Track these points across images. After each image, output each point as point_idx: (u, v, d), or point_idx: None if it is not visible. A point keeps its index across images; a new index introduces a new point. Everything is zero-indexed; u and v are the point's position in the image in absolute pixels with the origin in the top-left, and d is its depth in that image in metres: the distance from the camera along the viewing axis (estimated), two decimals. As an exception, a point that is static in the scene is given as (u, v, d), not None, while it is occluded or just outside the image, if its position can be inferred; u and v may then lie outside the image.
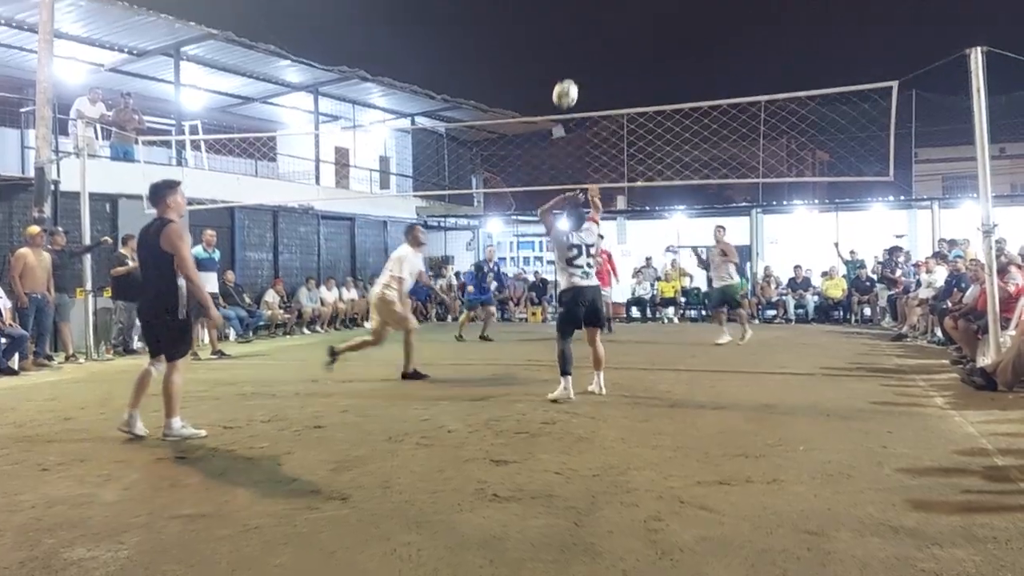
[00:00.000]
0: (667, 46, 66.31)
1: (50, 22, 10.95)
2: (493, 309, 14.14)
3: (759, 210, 18.87)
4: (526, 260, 21.95)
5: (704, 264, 12.84)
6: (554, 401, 6.75)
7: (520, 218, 21.77)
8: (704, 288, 18.07)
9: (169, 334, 5.53)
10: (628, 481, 4.27)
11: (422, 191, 21.51)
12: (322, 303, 15.74)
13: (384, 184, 21.63)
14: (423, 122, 22.02)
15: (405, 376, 8.44)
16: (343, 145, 20.96)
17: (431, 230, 21.52)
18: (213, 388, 7.96)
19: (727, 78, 48.37)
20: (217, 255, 11.98)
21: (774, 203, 19.90)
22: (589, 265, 7.18)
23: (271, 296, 14.89)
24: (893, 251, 15.29)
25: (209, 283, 11.27)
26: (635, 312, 18.15)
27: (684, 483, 4.22)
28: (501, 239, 22.41)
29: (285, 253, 16.53)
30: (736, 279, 12.55)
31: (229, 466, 4.71)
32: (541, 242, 21.59)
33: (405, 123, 21.96)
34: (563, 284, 7.27)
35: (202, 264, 11.18)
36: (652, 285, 17.98)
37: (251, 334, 13.76)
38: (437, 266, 20.47)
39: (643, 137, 11.06)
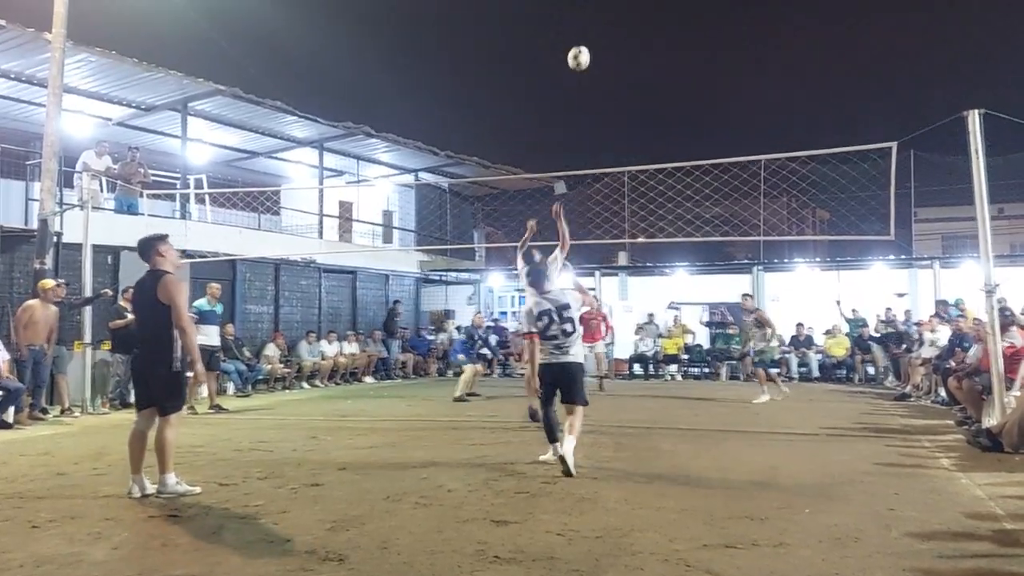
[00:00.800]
0: (668, 104, 67.42)
1: (59, 77, 11.13)
2: (480, 368, 13.91)
3: (760, 267, 18.90)
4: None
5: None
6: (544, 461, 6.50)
7: (515, 272, 21.79)
8: (706, 345, 18.08)
9: (163, 387, 5.46)
10: (632, 544, 4.17)
11: (424, 245, 21.61)
12: (323, 357, 15.65)
13: (387, 238, 21.75)
14: (426, 177, 22.26)
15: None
16: (347, 199, 21.14)
17: (433, 284, 21.61)
18: (210, 443, 7.85)
19: (727, 136, 49.05)
20: (220, 308, 11.95)
21: (775, 261, 19.95)
22: (565, 332, 6.30)
23: (271, 350, 14.81)
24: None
25: (211, 336, 11.28)
26: (637, 369, 18.03)
27: (689, 546, 4.12)
28: (503, 293, 22.42)
29: (286, 306, 16.51)
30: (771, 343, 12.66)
31: (223, 525, 4.61)
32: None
33: (408, 178, 22.19)
34: (538, 358, 6.39)
35: (205, 317, 11.20)
36: (654, 342, 17.90)
37: (250, 388, 13.65)
38: (438, 320, 20.46)
39: (644, 194, 11.16)
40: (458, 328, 19.90)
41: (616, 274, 20.34)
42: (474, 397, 12.79)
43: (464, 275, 21.99)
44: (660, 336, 18.06)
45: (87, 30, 12.39)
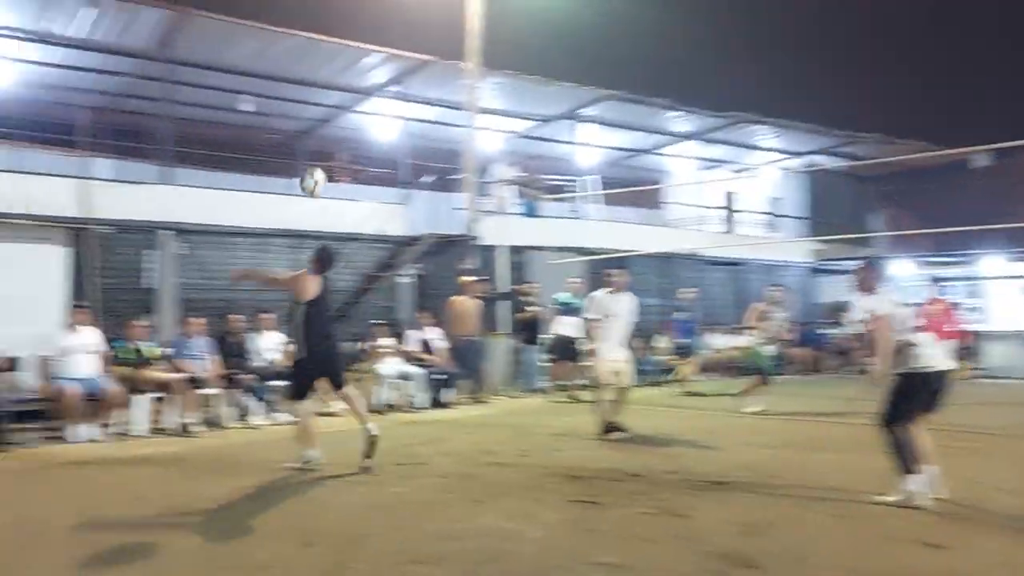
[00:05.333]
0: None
1: (475, 100, 12.68)
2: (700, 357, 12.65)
3: None
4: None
5: None
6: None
7: (934, 260, 19.53)
8: None
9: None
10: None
11: (816, 232, 20.41)
12: (717, 351, 15.71)
13: (775, 228, 20.99)
14: (819, 160, 20.99)
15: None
16: (732, 189, 20.86)
17: (828, 275, 20.34)
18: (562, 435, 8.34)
19: None
20: (579, 301, 11.86)
21: None
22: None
23: (661, 342, 15.26)
24: None
25: (572, 327, 11.54)
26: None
27: None
28: (911, 282, 20.29)
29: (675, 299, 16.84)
30: None
31: (637, 517, 4.87)
32: (963, 287, 19.14)
33: (799, 163, 21.14)
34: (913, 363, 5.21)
35: (567, 309, 11.89)
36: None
37: (643, 380, 14.13)
38: (833, 313, 19.20)
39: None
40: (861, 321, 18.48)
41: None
42: None
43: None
44: None
45: (496, 55, 13.91)
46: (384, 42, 13.21)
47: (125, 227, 11.21)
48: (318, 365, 6.49)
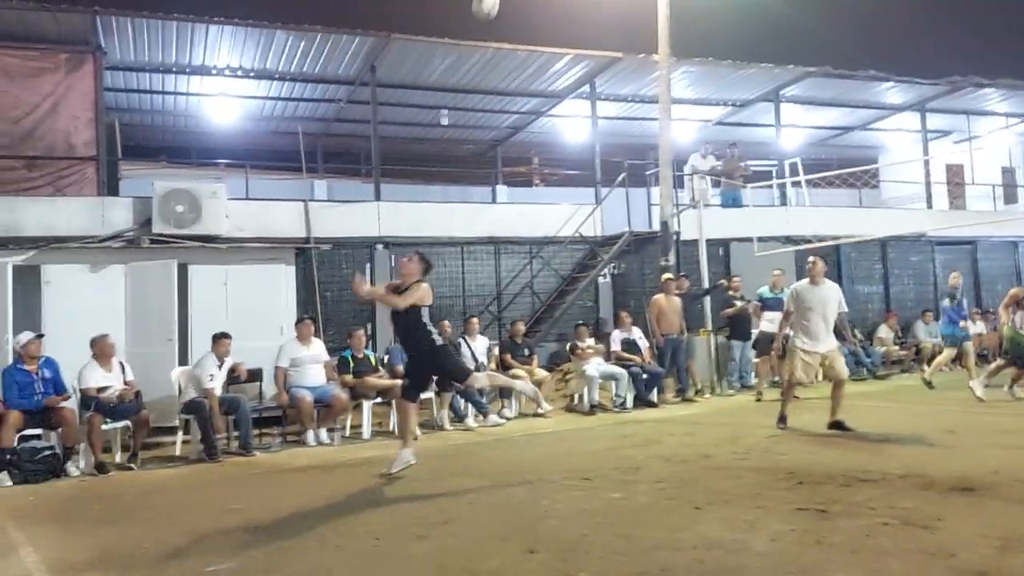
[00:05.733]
0: None
1: (667, 92, 12.40)
2: (969, 346, 11.06)
3: None
4: None
5: None
6: None
7: None
8: None
9: None
10: None
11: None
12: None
13: (1010, 199, 18.81)
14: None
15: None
16: (956, 162, 18.92)
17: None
18: (838, 432, 7.85)
19: None
20: (783, 294, 11.31)
21: None
22: None
23: (884, 331, 14.17)
24: None
25: (775, 323, 11.08)
26: None
27: None
28: None
29: (897, 285, 15.60)
30: None
31: (873, 527, 4.51)
32: None
33: (1034, 125, 18.80)
34: None
35: (768, 304, 11.30)
36: None
37: (864, 372, 13.21)
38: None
39: None
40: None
41: None
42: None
43: None
44: None
45: (685, 43, 13.56)
46: (573, 43, 13.31)
47: (342, 243, 12.10)
48: (428, 363, 6.70)
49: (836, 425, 7.82)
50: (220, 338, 8.59)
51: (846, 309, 8.44)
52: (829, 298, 8.07)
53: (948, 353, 11.17)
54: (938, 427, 7.89)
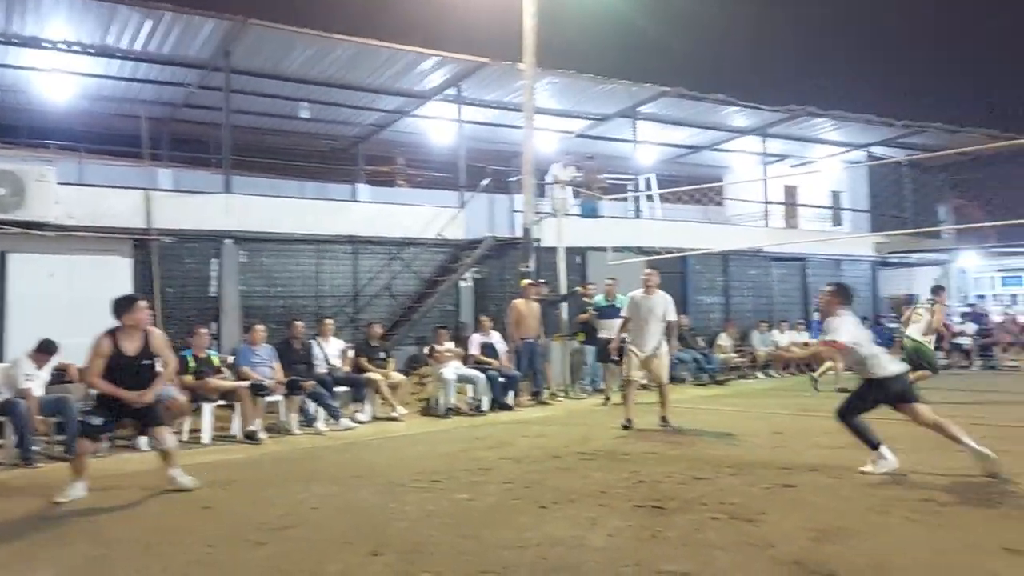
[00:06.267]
0: None
1: (531, 101, 12.61)
2: None
3: None
4: (1013, 298, 18.83)
5: None
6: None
7: (1005, 250, 18.81)
8: None
9: None
10: None
11: (880, 225, 19.81)
12: (776, 346, 15.37)
13: (837, 221, 20.46)
14: (880, 152, 20.37)
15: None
16: (792, 184, 20.38)
17: (893, 268, 19.76)
18: (679, 435, 8.24)
19: None
20: (619, 302, 11.48)
21: None
22: None
23: (724, 339, 15.01)
24: None
25: (610, 330, 11.11)
26: None
27: None
28: (979, 274, 19.61)
29: (736, 296, 16.59)
30: None
31: (704, 522, 4.76)
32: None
33: (859, 155, 20.55)
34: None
35: (604, 312, 11.65)
36: None
37: (707, 378, 13.95)
38: (900, 307, 18.65)
39: None
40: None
41: None
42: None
43: (930, 256, 19.67)
44: None
45: (550, 55, 13.83)
46: (440, 46, 13.28)
47: (187, 236, 11.50)
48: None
49: (663, 421, 8.77)
50: (40, 351, 7.97)
51: (674, 318, 9.12)
52: (658, 308, 8.86)
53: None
54: (769, 429, 8.45)
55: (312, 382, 9.23)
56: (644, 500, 5.33)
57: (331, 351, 10.05)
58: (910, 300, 18.66)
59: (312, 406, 9.29)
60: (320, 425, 9.16)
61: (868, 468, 6.08)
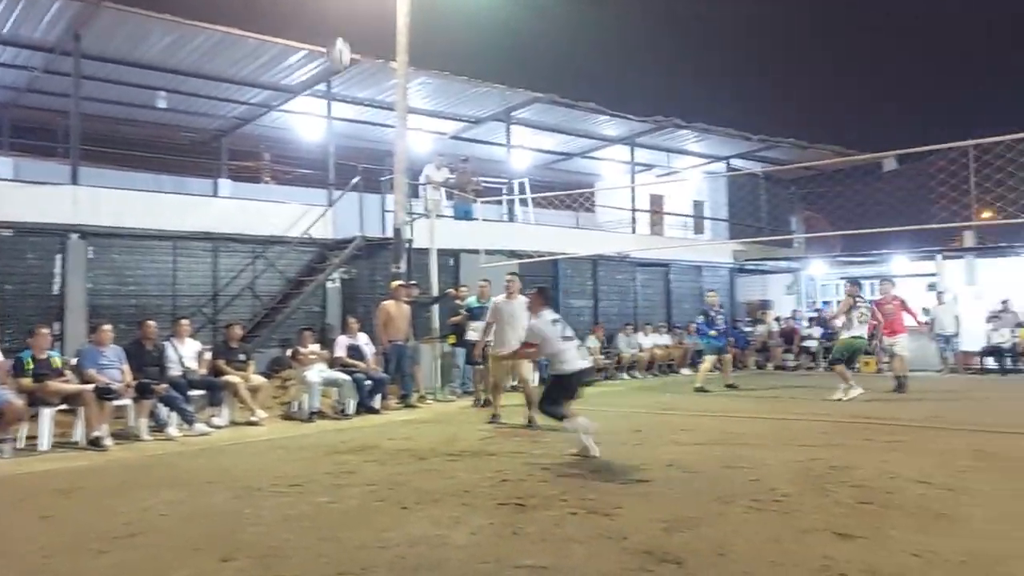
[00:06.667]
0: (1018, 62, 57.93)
1: (404, 100, 12.52)
2: (729, 357, 13.88)
3: None
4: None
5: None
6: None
7: (847, 259, 20.28)
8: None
9: None
10: (1010, 574, 3.66)
11: (738, 233, 20.94)
12: (640, 348, 15.92)
13: (699, 229, 21.43)
14: (738, 164, 21.54)
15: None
16: (658, 193, 21.20)
17: (749, 275, 20.88)
18: (544, 433, 8.36)
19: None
20: (490, 304, 11.66)
21: None
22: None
23: (592, 342, 15.38)
24: None
25: (478, 332, 11.23)
26: (991, 363, 15.86)
27: (1088, 586, 3.52)
28: (826, 282, 21.01)
29: (604, 300, 17.07)
30: None
31: (563, 517, 4.85)
32: (872, 285, 19.84)
33: (720, 167, 21.64)
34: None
35: (475, 314, 11.61)
36: (1012, 332, 15.59)
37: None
38: (755, 311, 19.76)
39: (992, 164, 9.77)
40: (776, 319, 19.07)
41: (961, 256, 17.99)
42: (732, 390, 12.68)
43: (782, 263, 20.95)
44: (1020, 325, 15.68)
45: (424, 55, 13.77)
46: (312, 40, 12.95)
47: (29, 230, 10.71)
48: None
49: (530, 421, 8.91)
50: None
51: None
52: (519, 312, 9.00)
53: (710, 360, 13.21)
54: (629, 427, 8.73)
55: (164, 385, 8.77)
56: (507, 498, 5.38)
57: (186, 353, 9.57)
58: (764, 305, 19.88)
59: (164, 410, 8.82)
60: (172, 430, 8.70)
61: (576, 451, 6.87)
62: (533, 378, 9.35)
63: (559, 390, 7.12)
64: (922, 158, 14.48)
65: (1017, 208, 11.20)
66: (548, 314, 7.29)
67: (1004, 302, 15.84)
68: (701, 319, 13.85)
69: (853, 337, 11.44)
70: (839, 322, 11.76)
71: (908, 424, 8.49)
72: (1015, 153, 9.62)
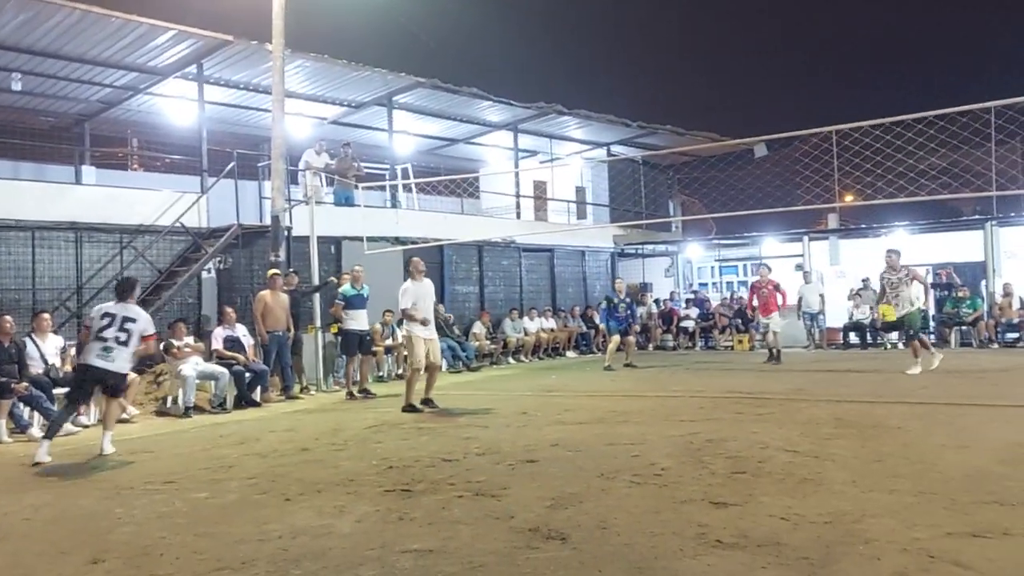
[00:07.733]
0: (878, 53, 62.06)
1: (281, 83, 12.12)
2: (632, 339, 14.56)
3: (994, 223, 17.04)
4: (729, 285, 21.25)
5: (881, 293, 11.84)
6: None
7: (722, 242, 21.21)
8: (933, 311, 16.71)
9: None
10: (865, 530, 3.95)
11: (619, 219, 21.49)
12: (525, 333, 16.12)
13: (581, 215, 21.88)
14: (619, 150, 22.08)
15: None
16: (541, 179, 21.47)
17: (629, 258, 21.48)
18: (430, 418, 8.36)
19: (947, 81, 44.37)
20: (367, 291, 11.44)
21: (1012, 215, 17.83)
22: (119, 341, 7.03)
23: (478, 327, 15.47)
24: None
25: (360, 320, 11.24)
26: (853, 338, 16.98)
27: (931, 534, 3.83)
28: (702, 264, 21.90)
29: (490, 286, 17.16)
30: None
31: (450, 501, 4.87)
32: (745, 266, 20.85)
33: (601, 153, 22.12)
34: None
35: (352, 302, 11.19)
36: (872, 309, 16.73)
37: (461, 365, 14.28)
38: (635, 294, 20.36)
39: (851, 148, 10.42)
40: (656, 301, 19.74)
41: (826, 238, 19.16)
42: (631, 368, 13.35)
43: (661, 247, 21.68)
44: (879, 303, 16.83)
45: (301, 38, 13.41)
46: (181, 20, 12.34)
47: None
48: None
49: (427, 401, 9.11)
50: None
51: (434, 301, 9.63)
52: (430, 292, 9.33)
53: (615, 341, 13.87)
54: (516, 410, 8.83)
55: (25, 384, 8.21)
56: (393, 485, 5.35)
57: (48, 349, 8.99)
58: (644, 288, 20.50)
59: (25, 410, 8.26)
60: (35, 431, 8.15)
61: None
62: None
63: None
64: (789, 144, 15.30)
65: (875, 191, 12.02)
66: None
67: (864, 280, 16.97)
68: (605, 304, 14.71)
69: (918, 309, 11.75)
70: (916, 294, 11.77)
71: (776, 397, 9.00)
72: (872, 139, 10.25)
